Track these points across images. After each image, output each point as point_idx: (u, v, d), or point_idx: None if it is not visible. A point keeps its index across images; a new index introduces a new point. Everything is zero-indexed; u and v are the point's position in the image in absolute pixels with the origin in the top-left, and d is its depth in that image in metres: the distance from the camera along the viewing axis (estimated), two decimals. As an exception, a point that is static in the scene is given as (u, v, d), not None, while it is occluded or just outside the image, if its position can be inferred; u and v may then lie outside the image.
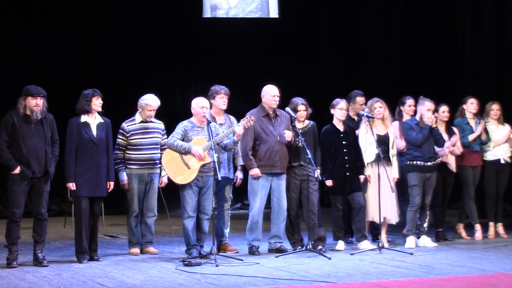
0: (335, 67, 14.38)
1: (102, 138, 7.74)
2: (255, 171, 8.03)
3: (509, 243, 8.72)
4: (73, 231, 8.06)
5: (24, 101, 7.38)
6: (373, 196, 8.33)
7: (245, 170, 8.56)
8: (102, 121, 7.82)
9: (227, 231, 8.44)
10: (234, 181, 8.45)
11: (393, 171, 8.49)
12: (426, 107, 8.53)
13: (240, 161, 8.51)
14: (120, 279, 6.68)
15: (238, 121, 8.27)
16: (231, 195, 8.50)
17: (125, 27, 13.08)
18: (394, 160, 8.54)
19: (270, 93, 8.20)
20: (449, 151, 8.96)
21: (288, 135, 8.09)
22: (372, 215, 8.37)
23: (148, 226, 8.28)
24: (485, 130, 9.35)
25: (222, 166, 8.24)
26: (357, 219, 8.34)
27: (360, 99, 9.07)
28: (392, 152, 8.56)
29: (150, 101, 8.30)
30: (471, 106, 9.37)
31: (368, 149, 8.44)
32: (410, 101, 9.02)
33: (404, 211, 8.72)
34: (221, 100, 8.31)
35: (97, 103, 7.76)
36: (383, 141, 8.43)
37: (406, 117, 8.96)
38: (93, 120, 7.77)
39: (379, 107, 8.51)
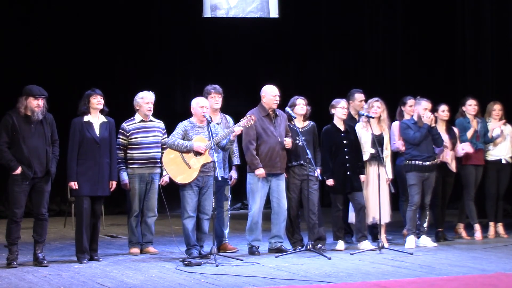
0: (335, 67, 14.39)
1: (105, 138, 7.74)
2: (260, 171, 8.02)
3: (509, 243, 8.72)
4: (73, 231, 8.08)
5: (25, 101, 7.38)
6: (366, 196, 8.38)
7: (240, 170, 8.56)
8: (106, 120, 7.83)
9: (226, 231, 8.45)
10: (228, 179, 8.45)
11: (387, 172, 8.49)
12: (422, 106, 8.54)
13: (235, 161, 8.51)
14: (120, 279, 6.68)
15: (235, 120, 8.28)
16: (229, 194, 8.50)
17: (125, 27, 13.08)
18: (388, 161, 8.56)
19: (271, 93, 8.20)
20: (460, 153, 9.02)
21: (288, 143, 8.09)
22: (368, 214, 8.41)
23: (148, 226, 8.28)
24: (486, 128, 9.36)
25: (218, 165, 8.23)
26: (357, 219, 8.34)
27: (358, 96, 9.07)
28: (386, 153, 8.58)
29: (145, 94, 8.35)
30: (469, 108, 9.36)
31: (362, 148, 8.47)
32: (411, 101, 9.02)
33: (404, 211, 8.74)
34: (213, 100, 8.31)
35: (95, 101, 7.76)
36: (377, 141, 8.43)
37: (407, 117, 8.96)
38: (96, 119, 7.78)
39: (378, 107, 8.53)
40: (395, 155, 9.11)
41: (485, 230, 9.34)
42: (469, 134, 9.21)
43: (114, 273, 7.01)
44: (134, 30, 13.15)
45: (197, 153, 7.76)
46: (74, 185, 7.64)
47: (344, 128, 8.39)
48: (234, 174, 8.51)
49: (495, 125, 9.38)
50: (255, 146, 8.08)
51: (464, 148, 9.10)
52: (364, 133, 8.48)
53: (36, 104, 7.37)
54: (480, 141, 9.29)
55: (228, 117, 8.51)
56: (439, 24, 13.46)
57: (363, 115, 8.48)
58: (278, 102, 8.20)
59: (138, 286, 6.38)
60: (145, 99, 8.30)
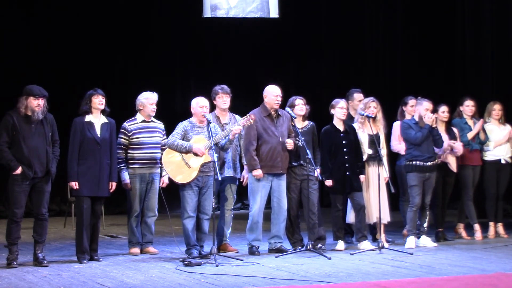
0: (335, 67, 14.39)
1: (105, 138, 7.74)
2: (258, 172, 8.01)
3: (509, 243, 8.73)
4: (73, 231, 8.08)
5: (25, 101, 7.38)
6: (366, 196, 8.38)
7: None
8: (107, 121, 7.83)
9: (228, 231, 8.44)
10: (241, 180, 8.44)
11: (385, 171, 8.49)
12: (424, 107, 8.54)
13: None
14: (120, 279, 6.68)
15: (239, 121, 8.29)
16: (235, 195, 8.49)
17: (125, 27, 13.09)
18: (385, 160, 8.56)
19: (273, 93, 8.20)
20: (448, 152, 8.95)
21: (290, 144, 8.09)
22: (366, 215, 8.41)
23: (148, 226, 8.28)
24: (483, 130, 9.35)
25: (227, 165, 8.24)
26: (357, 219, 8.34)
27: (357, 96, 9.08)
28: (383, 152, 8.58)
29: (149, 94, 8.34)
30: (467, 108, 9.35)
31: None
32: (412, 101, 9.01)
33: (405, 211, 8.74)
34: (221, 100, 8.33)
35: (96, 101, 7.76)
36: (372, 141, 8.43)
37: (408, 117, 8.96)
38: (98, 120, 7.78)
39: (374, 107, 8.53)
40: (394, 155, 9.11)
41: (485, 230, 9.34)
42: (470, 135, 9.21)
43: (114, 273, 7.01)
44: (134, 30, 13.16)
45: (197, 153, 7.77)
46: (74, 185, 7.64)
47: (343, 128, 8.39)
48: (246, 174, 8.48)
49: (493, 128, 9.39)
50: (256, 146, 8.08)
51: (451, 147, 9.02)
52: (361, 134, 8.48)
53: (37, 104, 7.37)
54: (475, 142, 9.28)
55: (237, 116, 8.48)
56: (439, 24, 13.46)
57: (363, 114, 8.48)
58: (279, 102, 8.20)
59: (138, 286, 6.38)
60: (150, 100, 8.30)
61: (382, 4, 14.11)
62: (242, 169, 8.47)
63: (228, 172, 8.27)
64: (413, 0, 13.79)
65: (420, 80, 13.07)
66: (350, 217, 8.48)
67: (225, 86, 8.42)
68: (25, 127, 7.37)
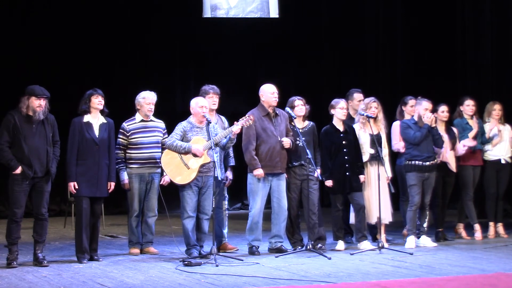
0: (335, 67, 14.39)
1: (104, 139, 7.74)
2: (259, 172, 8.01)
3: (509, 243, 8.72)
4: (73, 231, 8.07)
5: (27, 101, 7.39)
6: (367, 196, 8.37)
7: (236, 171, 8.55)
8: (105, 121, 7.83)
9: (225, 231, 8.44)
10: (224, 180, 8.43)
11: (387, 170, 8.49)
12: (423, 106, 8.54)
13: (231, 162, 8.50)
14: (120, 279, 6.68)
15: (230, 121, 8.26)
16: (226, 194, 8.50)
17: (125, 27, 13.10)
18: (387, 160, 8.56)
19: (269, 91, 8.19)
20: (453, 150, 8.97)
21: (287, 142, 8.08)
22: (368, 215, 8.40)
23: (148, 226, 8.28)
24: (483, 129, 9.36)
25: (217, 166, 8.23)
26: (357, 219, 8.34)
27: (357, 96, 9.08)
28: (385, 151, 8.58)
29: (146, 94, 8.34)
30: (467, 108, 9.35)
31: (362, 149, 8.47)
32: (412, 101, 9.01)
33: (405, 211, 8.74)
34: (211, 100, 8.28)
35: (96, 101, 7.76)
36: (373, 141, 8.43)
37: (407, 117, 8.96)
38: (96, 120, 7.78)
39: (375, 107, 8.53)
40: (395, 154, 9.11)
41: (485, 230, 9.34)
42: (471, 135, 9.20)
43: (114, 273, 7.01)
44: (134, 30, 13.16)
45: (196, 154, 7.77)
46: (73, 185, 7.63)
47: (343, 129, 8.39)
48: (229, 175, 8.50)
49: (492, 126, 9.39)
50: (255, 146, 8.07)
51: (466, 143, 9.06)
52: (362, 134, 8.48)
53: (38, 104, 7.38)
54: (477, 141, 9.28)
55: (223, 118, 8.49)
56: (439, 25, 13.45)
57: (363, 115, 8.48)
58: (277, 99, 8.19)
59: (138, 286, 6.38)
60: (147, 99, 8.30)
61: (382, 4, 14.11)
62: (226, 170, 8.46)
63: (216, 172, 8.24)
64: (413, 0, 13.78)
65: (420, 80, 13.06)
66: (353, 218, 8.47)
67: (215, 87, 8.39)
68: (26, 127, 7.37)
